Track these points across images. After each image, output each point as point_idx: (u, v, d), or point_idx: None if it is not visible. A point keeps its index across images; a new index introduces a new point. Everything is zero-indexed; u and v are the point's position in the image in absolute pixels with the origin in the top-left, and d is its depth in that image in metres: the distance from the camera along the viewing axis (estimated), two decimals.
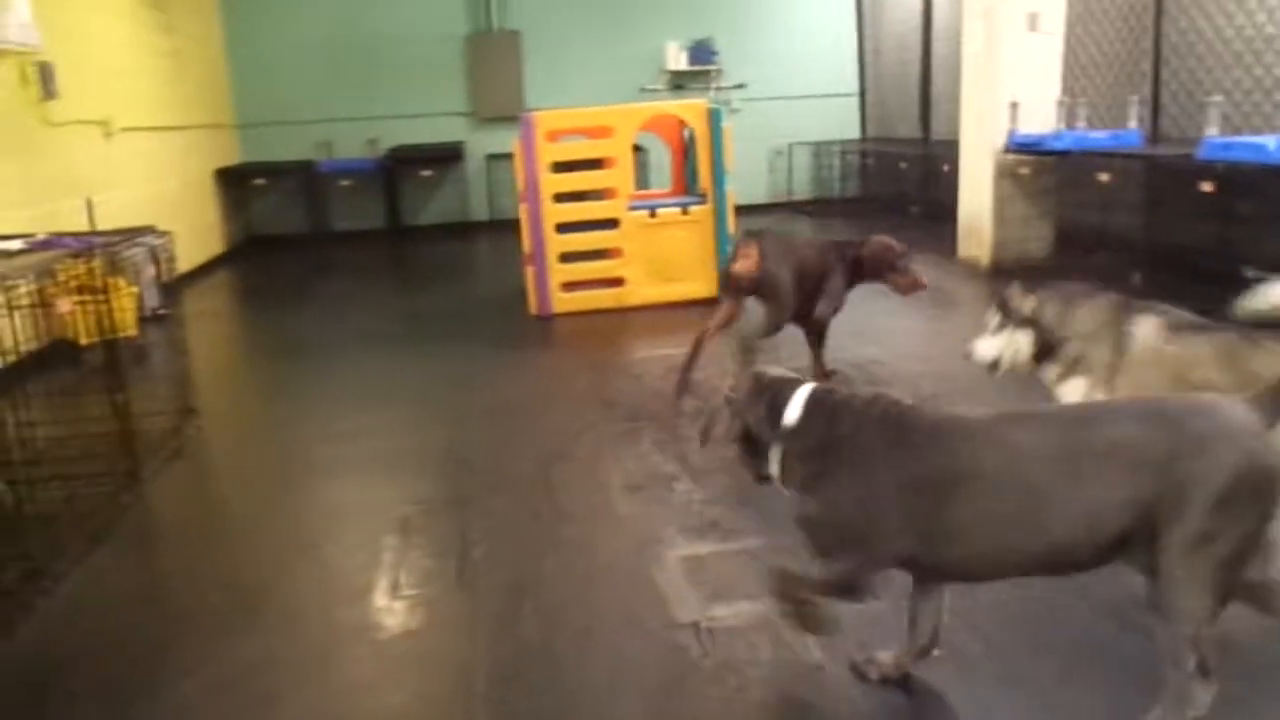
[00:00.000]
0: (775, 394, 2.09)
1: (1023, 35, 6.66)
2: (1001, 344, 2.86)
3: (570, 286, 6.21)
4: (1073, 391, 2.78)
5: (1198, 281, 5.78)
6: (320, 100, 10.54)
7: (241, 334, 6.80)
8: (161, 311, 6.99)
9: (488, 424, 4.22)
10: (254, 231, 10.61)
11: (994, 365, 2.90)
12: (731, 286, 4.15)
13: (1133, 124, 6.12)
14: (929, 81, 10.01)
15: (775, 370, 2.19)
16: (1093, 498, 1.80)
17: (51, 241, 3.48)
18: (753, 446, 2.12)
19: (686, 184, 7.11)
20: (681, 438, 3.82)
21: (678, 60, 10.91)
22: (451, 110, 10.82)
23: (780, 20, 11.16)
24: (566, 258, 6.20)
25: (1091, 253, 6.53)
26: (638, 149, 9.50)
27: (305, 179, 10.44)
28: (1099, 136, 6.06)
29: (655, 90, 10.96)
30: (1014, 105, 6.65)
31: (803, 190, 11.37)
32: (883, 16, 11.02)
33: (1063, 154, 6.17)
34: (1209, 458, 1.73)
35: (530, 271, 6.22)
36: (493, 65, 10.71)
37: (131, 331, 5.68)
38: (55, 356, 3.92)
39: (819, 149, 11.26)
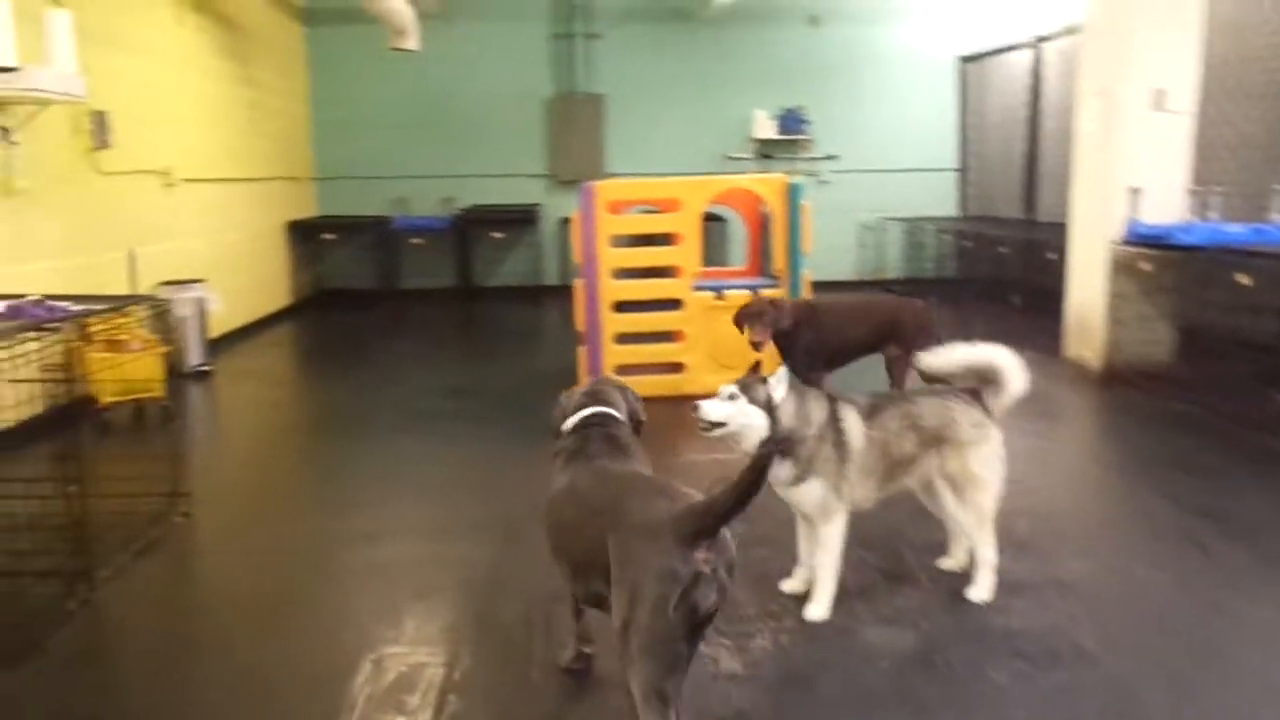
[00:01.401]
0: (575, 405, 2.56)
1: (1146, 114, 5.95)
2: (732, 412, 2.81)
3: (624, 370, 5.67)
4: (809, 495, 2.87)
5: None
6: (400, 156, 10.39)
7: (280, 399, 6.43)
8: (203, 368, 6.73)
9: (501, 537, 3.66)
10: (324, 285, 10.43)
11: (714, 427, 2.82)
12: None
13: (1277, 216, 5.34)
14: (1035, 160, 9.29)
15: (607, 391, 2.63)
16: (581, 545, 2.17)
17: (20, 310, 3.09)
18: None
19: (763, 263, 6.55)
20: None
21: (766, 129, 10.43)
22: (529, 172, 10.53)
23: (877, 90, 10.61)
24: (623, 339, 5.68)
25: (1222, 361, 5.71)
26: (715, 219, 9.01)
27: (378, 235, 10.24)
28: (1237, 231, 5.29)
29: (741, 159, 10.49)
30: (1134, 192, 5.92)
31: (893, 269, 10.69)
32: (988, 89, 10.37)
33: (1192, 249, 5.40)
34: (623, 549, 2.00)
35: (583, 351, 5.71)
36: (574, 128, 10.40)
37: (156, 392, 5.35)
38: (65, 419, 3.46)
39: (912, 226, 10.59)
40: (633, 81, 10.43)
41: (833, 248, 10.04)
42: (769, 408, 2.81)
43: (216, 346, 7.15)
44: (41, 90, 4.62)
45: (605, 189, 5.60)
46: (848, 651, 2.78)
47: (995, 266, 9.28)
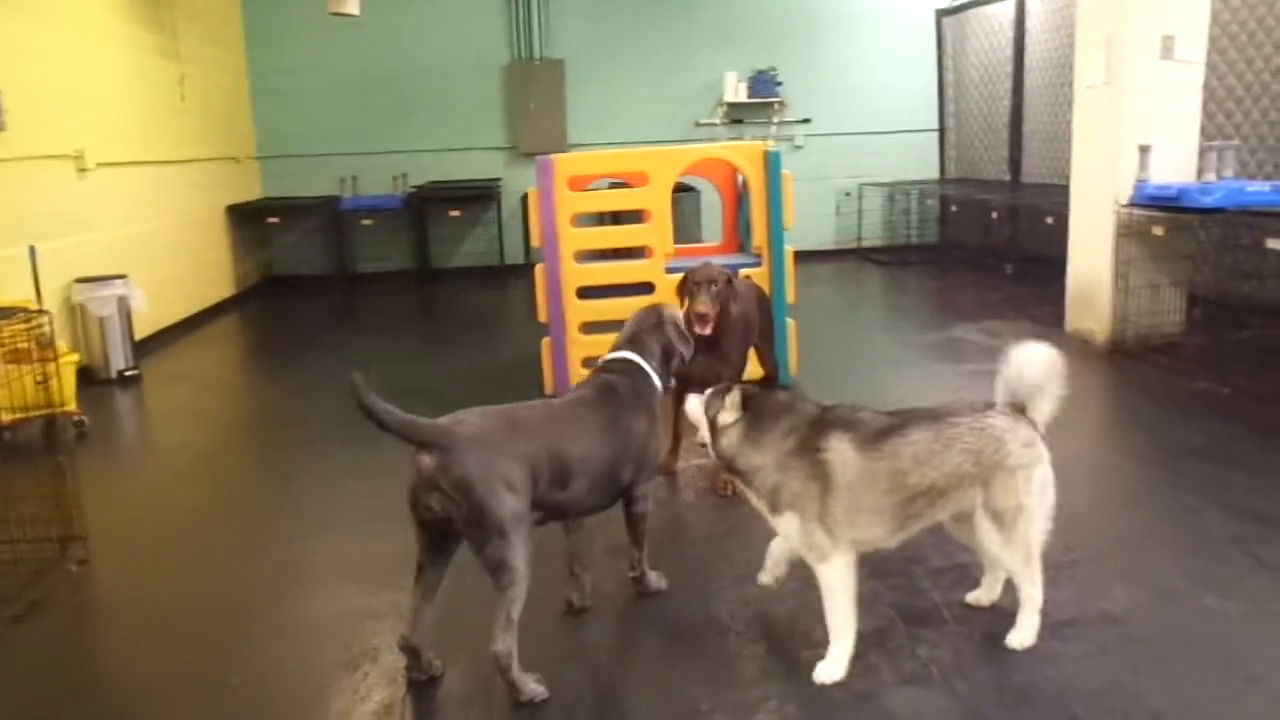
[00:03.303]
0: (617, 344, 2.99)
1: (1155, 65, 5.45)
2: (699, 414, 2.62)
3: (593, 363, 5.12)
4: (787, 529, 2.51)
5: None
6: (348, 132, 9.69)
7: (209, 407, 5.76)
8: (129, 373, 6.11)
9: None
10: (272, 272, 9.78)
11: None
12: None
13: None
14: (1020, 118, 8.81)
15: (645, 339, 2.93)
16: None
17: None
18: None
19: (740, 238, 6.01)
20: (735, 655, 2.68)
21: (737, 92, 9.83)
22: (487, 144, 9.89)
23: (851, 49, 10.03)
24: (590, 328, 5.13)
25: (1241, 333, 5.27)
26: (685, 189, 8.46)
27: (328, 216, 9.58)
28: (1262, 191, 4.82)
29: (711, 125, 9.91)
30: (1143, 150, 5.43)
31: (874, 236, 10.19)
32: (966, 45, 9.85)
33: (1211, 212, 4.93)
34: None
35: (546, 343, 5.16)
36: (534, 97, 9.75)
37: (69, 406, 4.74)
38: None
39: (893, 190, 10.08)
40: (593, 45, 9.79)
41: (809, 215, 9.50)
42: (713, 427, 2.56)
43: (146, 346, 6.54)
44: None
45: (565, 163, 5.02)
46: None
47: (984, 233, 8.82)
